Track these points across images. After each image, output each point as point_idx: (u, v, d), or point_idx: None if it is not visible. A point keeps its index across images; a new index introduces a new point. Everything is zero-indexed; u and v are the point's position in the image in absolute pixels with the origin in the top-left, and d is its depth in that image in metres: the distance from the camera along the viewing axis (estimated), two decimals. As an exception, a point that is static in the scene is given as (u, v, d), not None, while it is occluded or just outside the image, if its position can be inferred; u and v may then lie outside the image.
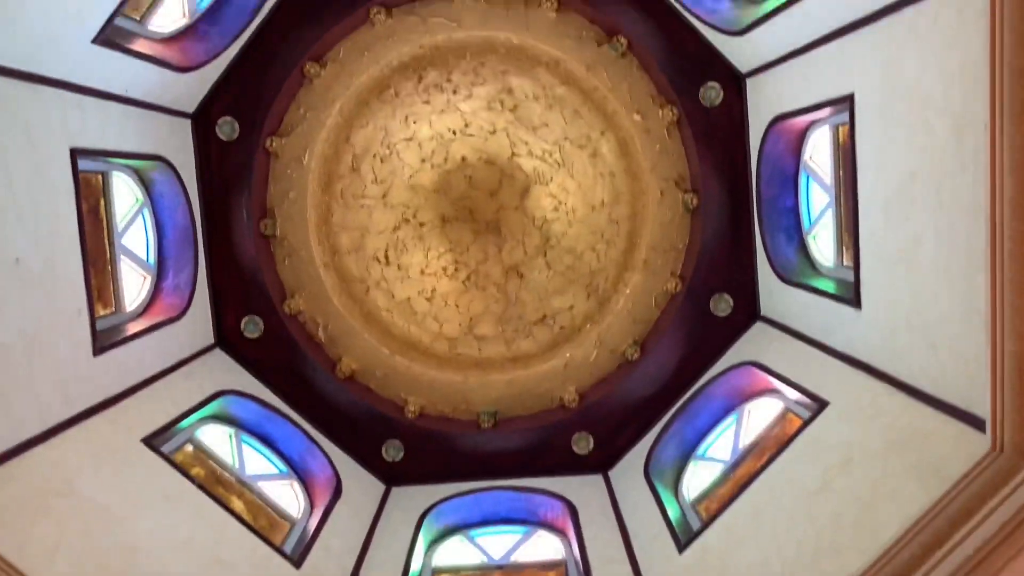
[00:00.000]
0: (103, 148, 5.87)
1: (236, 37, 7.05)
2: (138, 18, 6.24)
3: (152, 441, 5.61)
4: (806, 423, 5.45)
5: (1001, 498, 3.27)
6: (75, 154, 5.36)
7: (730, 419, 7.19)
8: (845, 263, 6.28)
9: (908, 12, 4.38)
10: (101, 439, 5.17)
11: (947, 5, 4.02)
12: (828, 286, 6.30)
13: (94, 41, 5.25)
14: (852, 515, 4.24)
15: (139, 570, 4.51)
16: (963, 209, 3.88)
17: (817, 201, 7.02)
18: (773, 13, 5.90)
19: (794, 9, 5.60)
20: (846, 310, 5.67)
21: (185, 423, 6.39)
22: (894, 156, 4.77)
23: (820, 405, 5.50)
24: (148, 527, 4.84)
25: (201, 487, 5.59)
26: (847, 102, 5.38)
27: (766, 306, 7.39)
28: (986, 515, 3.27)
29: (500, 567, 6.71)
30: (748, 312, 7.57)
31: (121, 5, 5.26)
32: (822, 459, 4.95)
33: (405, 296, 8.75)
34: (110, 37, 5.46)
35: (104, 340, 5.70)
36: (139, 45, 6.07)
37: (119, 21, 5.68)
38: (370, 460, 7.82)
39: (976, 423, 3.79)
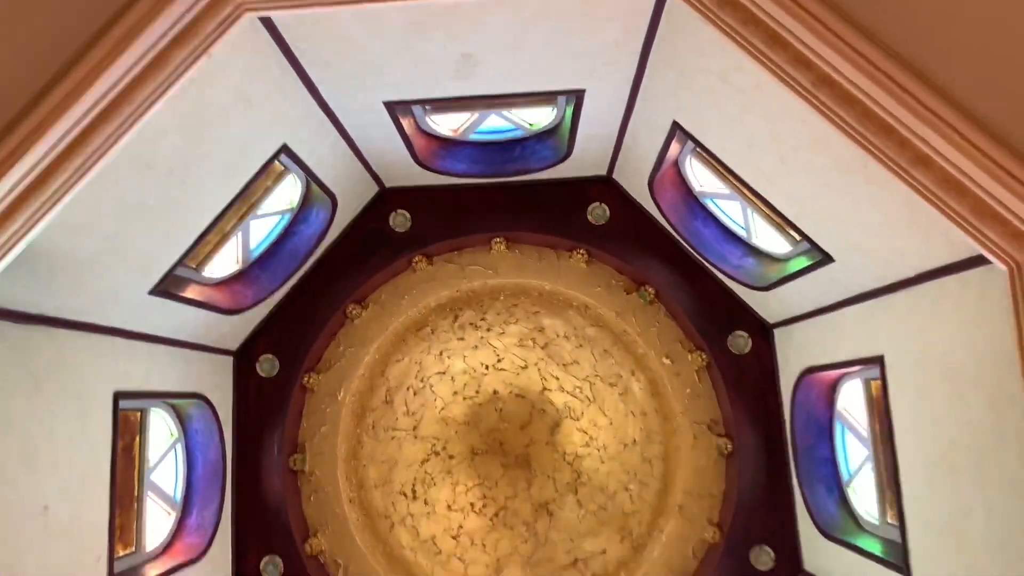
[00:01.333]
0: (146, 390, 6.02)
1: (284, 282, 7.45)
2: (194, 266, 6.66)
3: None
4: None
5: None
6: (118, 397, 5.51)
7: None
8: (890, 520, 6.01)
9: (930, 287, 4.53)
10: None
11: (968, 285, 4.16)
12: (874, 547, 5.98)
13: (151, 292, 5.58)
14: None
15: None
16: (1010, 485, 3.76)
17: (855, 452, 6.87)
18: (797, 274, 6.13)
19: (818, 273, 5.82)
20: (896, 577, 5.34)
21: None
22: (931, 422, 4.71)
23: None
24: None
25: None
26: (877, 363, 5.42)
27: (809, 561, 7.00)
28: None
29: None
30: (792, 567, 7.16)
31: (182, 258, 5.65)
32: None
33: (430, 534, 8.48)
34: (167, 287, 5.80)
35: (119, 587, 5.52)
36: (191, 291, 6.43)
37: (178, 271, 6.06)
38: None
39: None
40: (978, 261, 3.92)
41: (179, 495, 7.08)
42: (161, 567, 6.31)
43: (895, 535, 5.57)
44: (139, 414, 6.54)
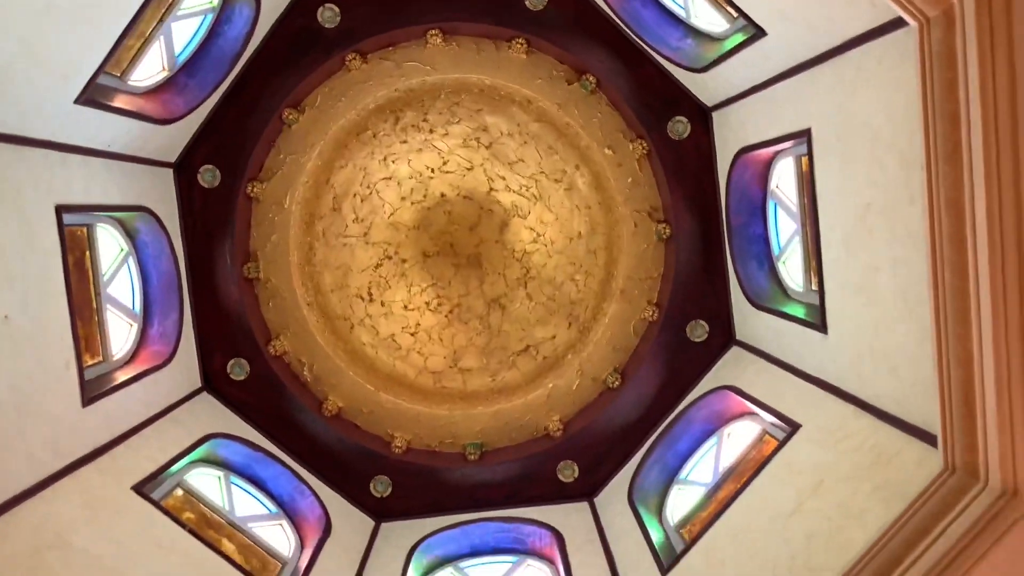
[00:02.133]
0: (88, 203, 5.99)
1: (215, 88, 7.22)
2: (119, 74, 6.40)
3: (143, 488, 5.71)
4: (779, 446, 5.63)
5: (954, 515, 3.45)
6: (60, 211, 5.50)
7: (710, 443, 7.36)
8: (813, 287, 6.49)
9: (854, 53, 4.63)
10: (92, 489, 5.26)
11: (890, 48, 4.26)
12: (798, 311, 6.50)
13: (77, 101, 5.41)
14: (823, 536, 4.40)
15: (133, 620, 4.60)
16: (915, 240, 4.09)
17: (785, 228, 7.25)
18: (732, 52, 6.15)
19: (752, 49, 5.85)
20: (815, 335, 5.87)
21: (175, 468, 6.48)
22: (850, 188, 4.99)
23: (793, 428, 5.68)
24: (142, 573, 4.93)
25: (192, 532, 5.69)
26: (805, 136, 5.62)
27: (740, 331, 7.59)
28: (941, 532, 3.45)
29: (490, 598, 6.81)
30: (724, 337, 7.76)
31: (103, 64, 5.43)
32: (795, 482, 5.12)
33: (389, 332, 8.90)
34: (92, 96, 5.62)
35: (92, 390, 5.81)
36: (120, 101, 6.23)
37: (101, 79, 5.83)
38: (359, 497, 7.90)
39: (934, 442, 3.97)
40: (898, 24, 4.00)
41: (138, 307, 7.25)
42: (131, 372, 6.59)
43: (816, 300, 6.05)
44: (85, 230, 6.53)
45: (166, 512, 5.70)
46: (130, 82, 6.57)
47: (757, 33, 5.59)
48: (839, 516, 4.42)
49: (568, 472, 8.04)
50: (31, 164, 5.18)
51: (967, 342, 3.44)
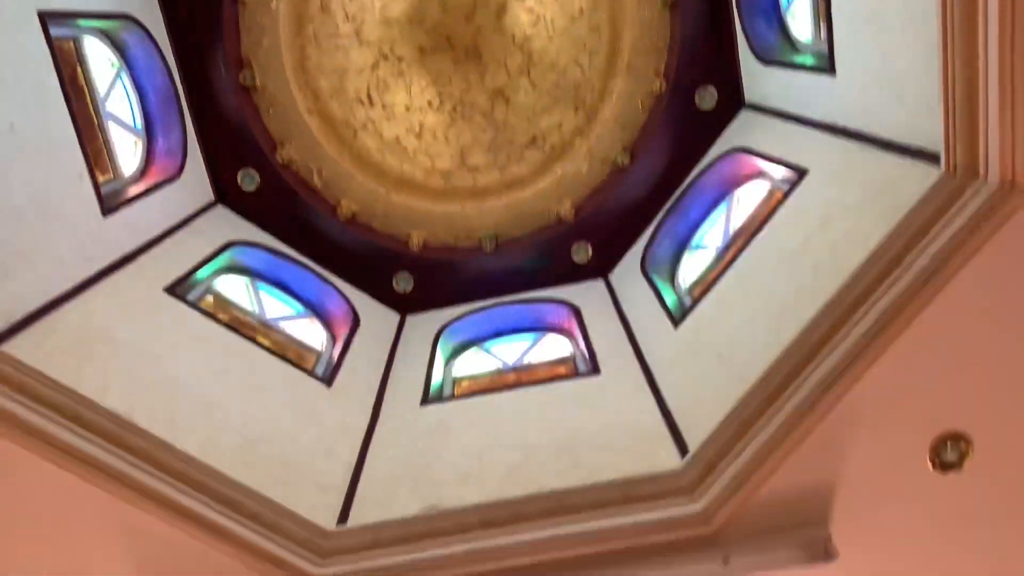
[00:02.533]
0: (69, 9, 5.81)
1: None
2: None
3: (175, 290, 5.95)
4: (787, 193, 5.68)
5: (954, 211, 3.52)
6: (44, 17, 5.34)
7: (721, 207, 7.44)
8: (822, 36, 6.27)
9: None
10: (127, 292, 5.50)
11: None
12: (807, 60, 6.33)
13: None
14: (829, 263, 4.54)
15: (183, 397, 4.95)
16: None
17: (793, -23, 6.89)
18: None
19: None
20: (822, 79, 5.75)
21: (202, 275, 6.71)
22: (857, -91, 4.68)
23: (800, 174, 5.70)
24: (186, 362, 5.26)
25: (228, 326, 5.98)
26: None
27: (750, 92, 7.43)
28: (941, 228, 3.54)
29: (514, 369, 7.21)
30: (733, 101, 7.62)
31: None
32: (802, 223, 5.22)
33: (393, 135, 8.83)
34: None
35: (110, 202, 5.92)
36: None
37: None
38: (383, 294, 8.20)
39: (938, 161, 3.98)
40: None
41: (139, 123, 7.22)
42: (143, 186, 6.68)
43: (825, 48, 5.85)
44: (72, 43, 6.38)
45: (201, 310, 5.97)
46: None
47: None
48: (845, 243, 4.53)
49: (582, 253, 8.23)
50: (2, -36, 4.97)
51: (972, 41, 3.34)
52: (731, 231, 7.06)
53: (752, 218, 6.67)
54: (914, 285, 3.56)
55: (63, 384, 4.12)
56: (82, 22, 6.38)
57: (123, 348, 4.94)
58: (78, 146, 5.56)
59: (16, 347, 4.26)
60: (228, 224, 7.50)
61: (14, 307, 4.50)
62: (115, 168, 6.69)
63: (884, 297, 3.69)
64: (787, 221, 5.44)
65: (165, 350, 5.20)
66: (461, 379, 7.23)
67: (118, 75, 7.09)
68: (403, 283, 8.27)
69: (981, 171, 3.48)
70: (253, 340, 6.13)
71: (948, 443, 3.95)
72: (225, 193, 7.80)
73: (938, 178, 3.72)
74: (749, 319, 5.03)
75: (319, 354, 7.12)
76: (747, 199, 7.20)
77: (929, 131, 4.16)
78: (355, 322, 7.51)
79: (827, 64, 5.66)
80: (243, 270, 7.45)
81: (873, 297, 3.74)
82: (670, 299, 6.70)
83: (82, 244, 5.33)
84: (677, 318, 5.98)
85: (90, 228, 5.49)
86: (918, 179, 4.13)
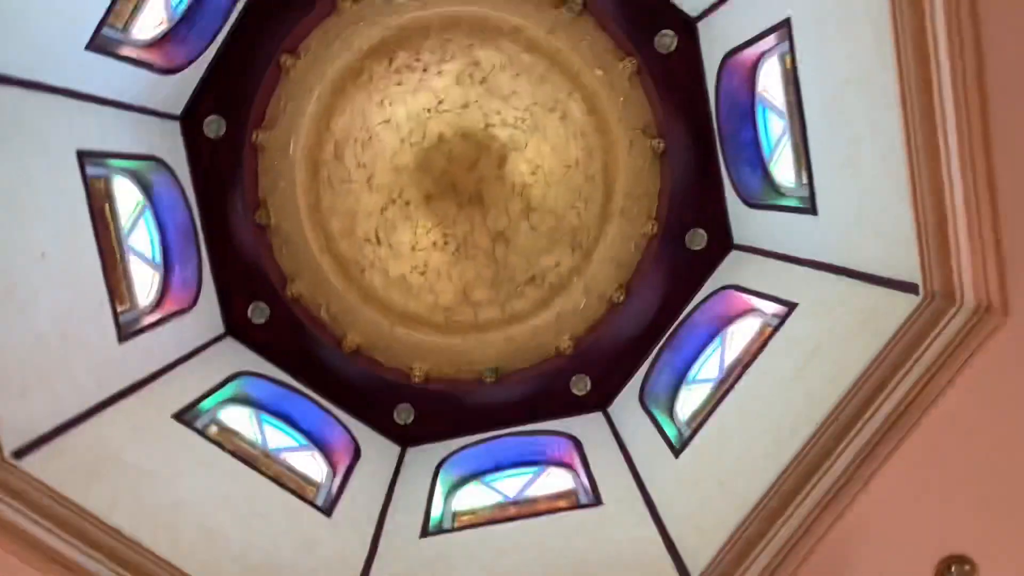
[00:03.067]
0: (105, 150, 6.27)
1: (213, 37, 7.44)
2: (121, 27, 6.62)
3: (183, 417, 6.05)
4: (779, 325, 5.93)
5: (935, 335, 3.74)
6: (82, 156, 5.78)
7: (715, 343, 7.67)
8: (804, 181, 6.73)
9: (824, -65, 4.83)
10: (136, 417, 5.61)
11: (855, -78, 4.46)
12: (790, 202, 6.76)
13: (87, 48, 5.66)
14: (820, 390, 4.71)
15: (186, 520, 4.96)
16: (889, 100, 4.33)
17: (775, 129, 7.47)
18: (709, -44, 6.34)
19: (727, -52, 6.05)
20: (806, 219, 6.14)
21: (208, 404, 6.82)
22: (829, 67, 5.23)
23: (790, 308, 5.98)
24: (189, 487, 5.30)
25: (233, 454, 6.03)
26: (785, 26, 5.83)
27: (738, 234, 7.86)
28: (922, 352, 3.74)
29: (515, 503, 7.18)
30: (722, 242, 8.03)
31: (109, 10, 5.67)
32: (794, 352, 5.43)
33: (399, 273, 9.19)
34: (101, 44, 5.86)
35: (126, 330, 6.13)
36: (125, 51, 6.47)
37: (106, 31, 6.06)
38: (384, 426, 8.26)
39: (918, 290, 4.25)
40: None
41: (158, 257, 7.55)
42: (158, 316, 6.91)
43: (807, 192, 6.30)
44: (103, 182, 6.81)
45: (206, 437, 6.05)
46: (133, 35, 6.81)
47: (731, -70, 5.78)
48: (835, 371, 4.72)
49: (581, 386, 8.39)
50: (52, 110, 5.45)
51: (938, 177, 3.70)
52: (726, 365, 7.25)
53: (746, 351, 6.89)
54: (900, 408, 3.73)
55: (72, 500, 4.16)
56: (114, 162, 6.84)
57: (131, 470, 5.00)
58: (102, 276, 5.85)
59: (29, 464, 4.33)
60: (236, 355, 7.69)
61: (30, 426, 4.60)
62: (132, 298, 6.93)
63: (872, 420, 3.85)
64: (780, 351, 5.66)
65: (170, 474, 5.25)
66: (462, 512, 7.17)
67: (142, 212, 7.49)
68: (404, 415, 8.36)
69: (957, 296, 3.74)
70: (256, 468, 6.16)
71: (953, 567, 3.97)
72: (235, 325, 8.03)
73: (917, 305, 3.97)
74: (748, 446, 5.14)
75: (319, 484, 7.10)
76: (740, 335, 7.45)
77: (907, 262, 4.46)
78: (356, 454, 7.53)
79: (810, 205, 6.07)
80: (248, 401, 7.55)
81: (861, 421, 3.89)
82: (669, 430, 6.80)
83: (98, 369, 5.49)
84: (677, 448, 6.07)
85: (106, 354, 5.68)
86: (901, 307, 4.39)
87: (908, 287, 4.45)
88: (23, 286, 4.79)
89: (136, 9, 6.68)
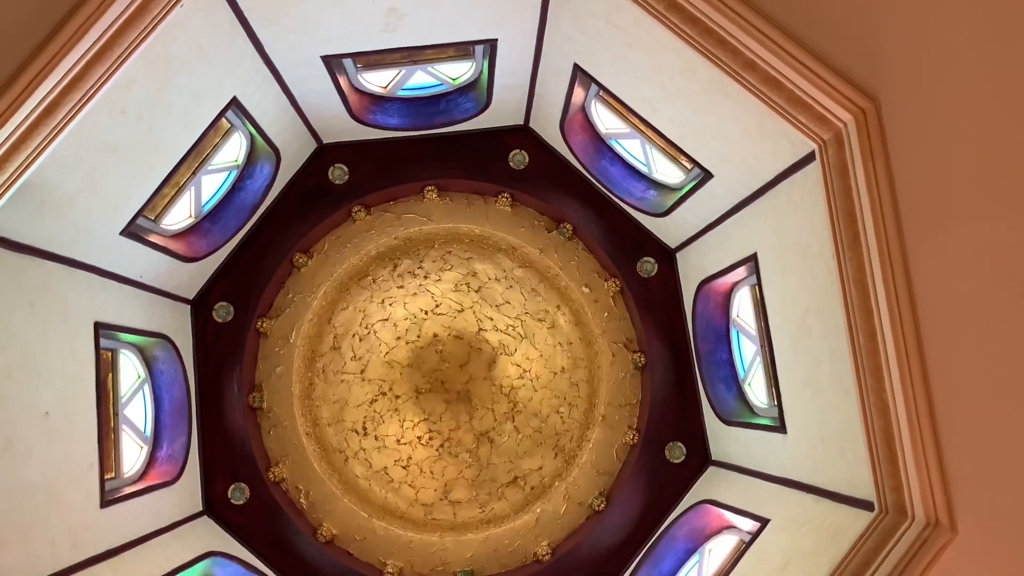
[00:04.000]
0: (120, 324, 6.68)
1: (235, 233, 8.15)
2: (153, 217, 7.31)
3: (148, 591, 5.97)
4: (752, 540, 6.04)
5: (888, 549, 3.91)
6: (98, 327, 6.18)
7: (693, 559, 7.65)
8: (774, 400, 7.12)
9: (783, 186, 5.59)
10: (103, 585, 5.55)
11: (809, 176, 5.20)
12: (762, 421, 7.09)
13: (121, 233, 6.26)
14: (790, 605, 4.78)
15: None
16: (837, 329, 4.82)
17: (749, 351, 7.97)
18: (686, 196, 7.18)
19: (703, 191, 6.87)
20: (776, 437, 6.45)
21: (175, 583, 6.72)
22: (791, 297, 5.79)
23: (763, 523, 6.12)
24: (145, 665, 5.15)
25: (193, 634, 5.88)
26: (753, 260, 6.50)
27: (715, 449, 8.10)
28: (878, 565, 3.89)
29: None
30: (700, 456, 8.25)
31: (147, 203, 6.33)
32: (765, 568, 5.51)
33: (382, 465, 9.29)
34: (133, 230, 6.48)
35: (108, 496, 6.20)
36: (153, 238, 7.10)
37: (140, 220, 6.71)
38: (351, 622, 8.00)
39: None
40: (812, 157, 4.97)
41: (149, 430, 7.73)
42: (140, 487, 6.98)
43: (777, 412, 6.67)
44: (110, 354, 7.17)
45: (170, 615, 5.93)
46: (162, 224, 7.48)
47: (705, 176, 6.62)
48: (803, 586, 4.82)
49: (557, 597, 8.21)
50: (78, 284, 5.93)
51: (883, 396, 4.07)
52: (703, 582, 7.22)
53: (722, 567, 6.90)
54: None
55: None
56: (124, 336, 7.24)
57: (89, 641, 4.90)
58: (96, 442, 6.04)
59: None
60: (211, 534, 7.63)
61: (-1, 582, 4.61)
62: (118, 469, 7.04)
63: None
64: (752, 564, 5.73)
65: (128, 650, 5.12)
66: None
67: (141, 386, 7.78)
68: (372, 614, 8.10)
69: (909, 512, 3.96)
70: (214, 654, 5.97)
71: None
72: (213, 504, 8.03)
73: (872, 519, 4.19)
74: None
75: None
76: (717, 551, 7.47)
77: (866, 480, 4.72)
78: (317, 652, 7.25)
79: (780, 424, 6.41)
80: (215, 584, 7.40)
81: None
82: (645, 649, 6.64)
83: (75, 531, 5.52)
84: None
85: (86, 517, 5.73)
86: (861, 523, 4.59)
87: (866, 505, 4.67)
88: (22, 440, 5.00)
89: (169, 203, 7.41)
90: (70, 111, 4.33)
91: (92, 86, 4.35)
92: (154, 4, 4.32)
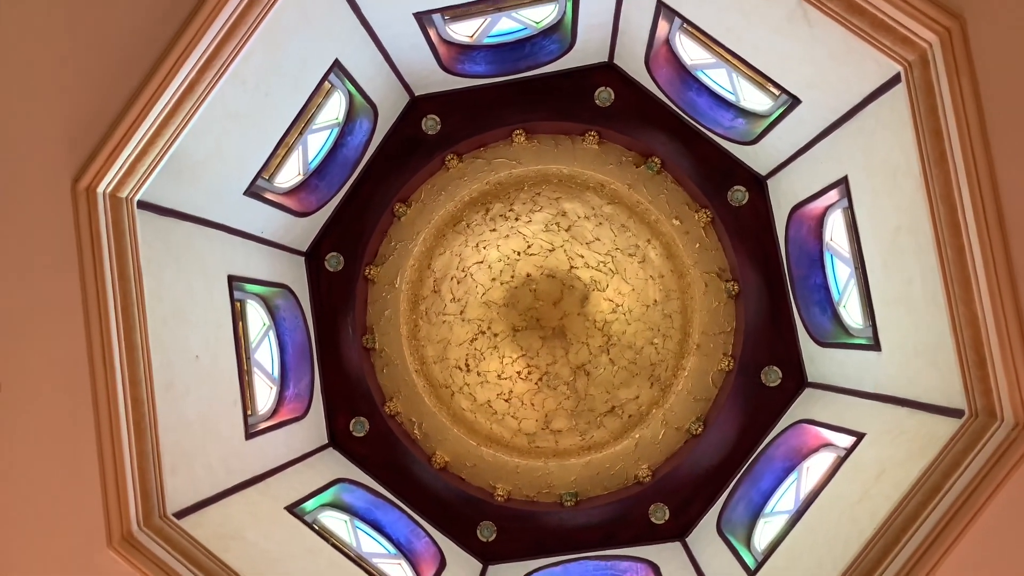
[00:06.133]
0: (248, 276, 7.36)
1: (340, 187, 8.69)
2: (268, 177, 7.90)
3: (293, 510, 6.72)
4: (848, 453, 6.28)
5: (978, 450, 4.11)
6: (231, 280, 6.85)
7: (791, 477, 7.93)
8: (868, 320, 7.23)
9: (871, 108, 5.64)
10: (257, 504, 6.32)
11: (897, 96, 5.24)
12: (857, 341, 7.23)
13: (244, 193, 6.86)
14: (885, 510, 5.04)
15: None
16: (929, 245, 4.94)
17: (843, 274, 8.04)
18: (775, 124, 7.24)
19: (791, 117, 6.93)
20: (871, 355, 6.60)
21: (311, 506, 7.48)
22: (882, 217, 5.89)
23: (859, 438, 6.34)
24: (297, 568, 5.88)
25: (335, 546, 6.62)
26: (844, 183, 6.57)
27: (810, 371, 8.27)
28: (967, 465, 4.10)
29: (593, 620, 7.39)
30: (796, 379, 8.43)
31: (265, 165, 6.90)
32: (861, 477, 5.77)
33: (485, 399, 9.85)
34: (254, 190, 7.07)
35: (251, 430, 6.96)
36: (270, 196, 7.71)
37: (259, 180, 7.29)
38: (467, 541, 8.67)
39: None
40: (898, 79, 5.02)
41: (276, 372, 8.49)
42: (274, 422, 7.75)
43: (871, 331, 6.79)
44: (240, 304, 7.89)
45: (313, 528, 6.67)
46: (275, 183, 8.08)
47: (793, 102, 6.68)
48: (897, 494, 5.06)
49: (660, 514, 8.66)
50: (212, 241, 6.58)
51: (972, 308, 4.21)
52: (801, 498, 7.49)
53: (819, 482, 7.16)
54: (949, 514, 4.07)
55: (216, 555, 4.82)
56: (250, 287, 7.93)
57: (250, 548, 5.64)
58: (237, 382, 6.76)
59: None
60: (338, 464, 8.39)
61: (175, 498, 5.36)
62: (255, 405, 7.81)
63: (925, 524, 4.17)
64: (848, 476, 5.99)
65: (283, 554, 5.87)
66: (540, 627, 7.41)
67: (267, 332, 8.52)
68: (487, 532, 8.76)
69: (998, 412, 4.14)
70: (355, 560, 6.71)
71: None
72: (337, 437, 8.79)
73: (962, 423, 4.38)
74: (818, 564, 5.42)
75: (407, 590, 7.54)
76: (815, 469, 7.71)
77: (960, 390, 4.89)
78: (441, 565, 7.96)
79: (874, 342, 6.55)
80: (345, 508, 8.16)
81: (916, 524, 4.22)
82: (748, 560, 7.01)
83: (228, 459, 6.28)
84: (752, 569, 6.31)
85: (234, 447, 6.48)
86: (954, 430, 4.78)
87: (958, 413, 4.85)
88: (180, 380, 5.70)
89: (281, 162, 7.98)
90: (207, 87, 4.85)
91: (224, 62, 4.84)
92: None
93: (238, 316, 7.86)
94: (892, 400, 6.14)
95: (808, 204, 7.66)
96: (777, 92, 7.28)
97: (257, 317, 8.44)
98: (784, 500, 7.85)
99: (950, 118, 4.14)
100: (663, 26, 7.41)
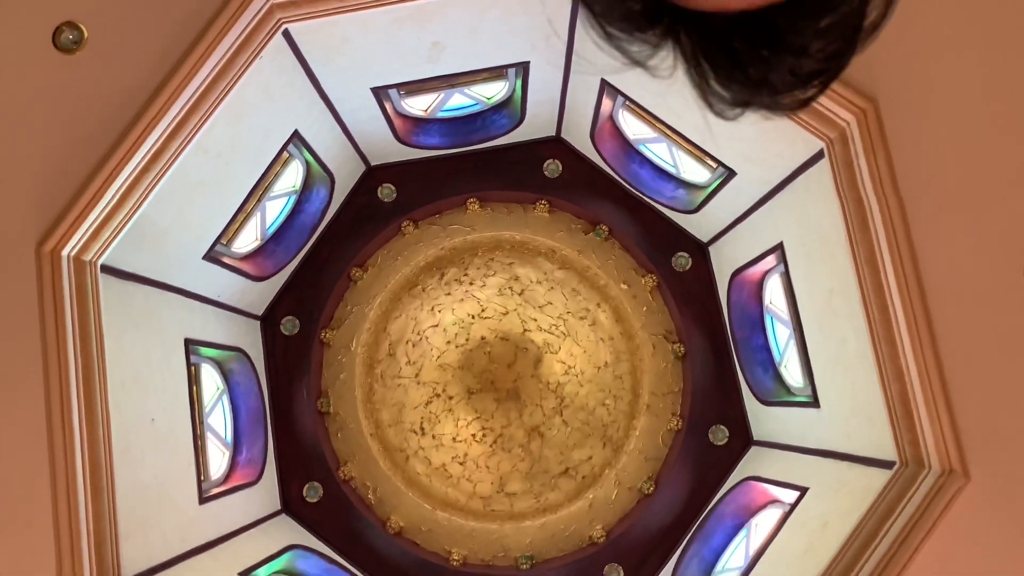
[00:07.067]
0: (205, 340, 7.41)
1: (297, 252, 8.85)
2: (226, 242, 8.03)
3: (246, 577, 6.65)
4: (792, 508, 6.53)
5: (908, 498, 4.39)
6: (188, 343, 6.90)
7: (741, 534, 8.13)
8: (807, 379, 7.58)
9: (801, 179, 6.09)
10: (209, 571, 6.26)
11: (822, 171, 5.70)
12: (798, 399, 7.57)
13: (203, 258, 6.98)
14: (828, 560, 5.27)
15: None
16: (859, 308, 5.32)
17: (782, 335, 8.43)
18: (713, 194, 7.70)
19: (727, 189, 7.39)
20: (811, 412, 6.93)
21: (264, 572, 7.40)
22: (816, 282, 6.29)
23: (803, 492, 6.60)
24: (253, 638, 5.81)
25: (288, 616, 6.55)
26: (780, 249, 6.99)
27: (756, 429, 8.57)
28: (899, 513, 4.38)
29: None
30: (743, 437, 8.72)
31: (224, 231, 7.04)
32: (806, 530, 6.01)
33: (440, 462, 9.90)
34: (213, 255, 7.19)
35: (204, 495, 6.91)
36: (227, 261, 7.82)
37: (217, 245, 7.43)
38: (424, 608, 8.62)
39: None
40: (821, 154, 5.48)
41: (229, 436, 8.44)
42: (227, 487, 7.69)
43: (811, 389, 7.14)
44: (195, 368, 7.89)
45: (265, 599, 6.60)
46: (233, 248, 8.20)
47: (729, 174, 7.14)
48: (839, 543, 5.31)
49: (615, 574, 8.74)
50: (171, 305, 6.65)
51: (898, 362, 4.56)
52: (751, 554, 7.69)
53: (767, 537, 7.38)
54: (886, 559, 4.32)
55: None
56: (205, 351, 7.96)
57: (204, 617, 5.58)
58: (191, 443, 6.75)
59: (128, 598, 4.99)
60: (291, 529, 8.31)
61: (126, 566, 5.30)
62: (206, 472, 7.74)
63: (863, 570, 4.41)
64: (794, 530, 6.22)
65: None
66: None
67: (220, 396, 8.50)
68: (443, 599, 8.71)
69: (926, 461, 4.45)
70: (306, 632, 6.63)
71: None
72: (290, 502, 8.72)
73: (894, 472, 4.68)
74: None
75: (360, 661, 7.42)
76: (763, 524, 7.94)
77: (891, 442, 5.20)
78: (396, 634, 7.88)
79: (813, 400, 6.88)
80: (298, 575, 8.06)
81: (855, 571, 4.45)
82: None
83: (182, 526, 6.22)
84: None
85: (189, 513, 6.42)
86: (887, 479, 5.07)
87: (892, 464, 5.16)
88: (136, 444, 5.70)
89: (240, 228, 8.12)
90: (172, 155, 5.03)
91: (189, 132, 5.04)
92: (238, 59, 4.99)
93: (193, 380, 7.88)
94: (832, 455, 6.44)
95: (748, 269, 8.09)
96: (714, 165, 7.76)
97: (211, 381, 8.43)
98: (735, 557, 8.04)
99: (869, 189, 4.56)
100: (607, 103, 7.88)
